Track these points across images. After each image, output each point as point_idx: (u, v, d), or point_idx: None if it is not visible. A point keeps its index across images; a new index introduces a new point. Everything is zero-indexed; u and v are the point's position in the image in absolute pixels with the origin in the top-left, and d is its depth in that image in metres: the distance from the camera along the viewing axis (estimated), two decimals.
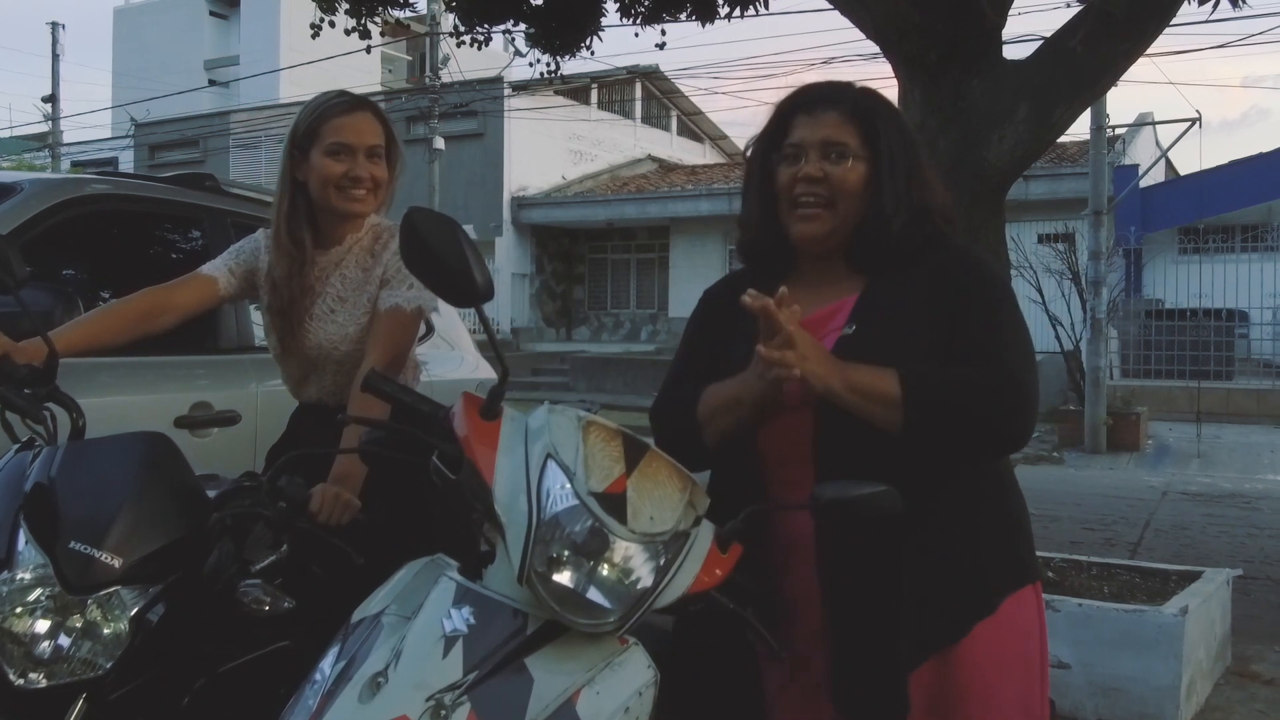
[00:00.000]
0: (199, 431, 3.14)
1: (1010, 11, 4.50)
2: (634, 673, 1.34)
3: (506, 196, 22.49)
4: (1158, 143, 18.67)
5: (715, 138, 28.87)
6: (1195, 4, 4.32)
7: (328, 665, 1.38)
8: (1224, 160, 16.80)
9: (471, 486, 1.37)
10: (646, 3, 6.89)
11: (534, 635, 1.31)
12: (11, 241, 1.87)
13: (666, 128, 27.50)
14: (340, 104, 2.18)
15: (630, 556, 1.32)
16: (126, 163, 25.39)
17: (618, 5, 6.88)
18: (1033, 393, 1.58)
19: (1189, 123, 12.75)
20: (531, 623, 1.32)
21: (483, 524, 1.39)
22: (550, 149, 23.29)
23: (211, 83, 30.13)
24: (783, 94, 1.74)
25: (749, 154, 1.77)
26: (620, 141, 25.62)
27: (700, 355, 1.79)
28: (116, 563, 1.51)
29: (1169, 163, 19.16)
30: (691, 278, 21.92)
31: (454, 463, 1.42)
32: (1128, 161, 16.94)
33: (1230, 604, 4.58)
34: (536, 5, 6.98)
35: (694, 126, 28.22)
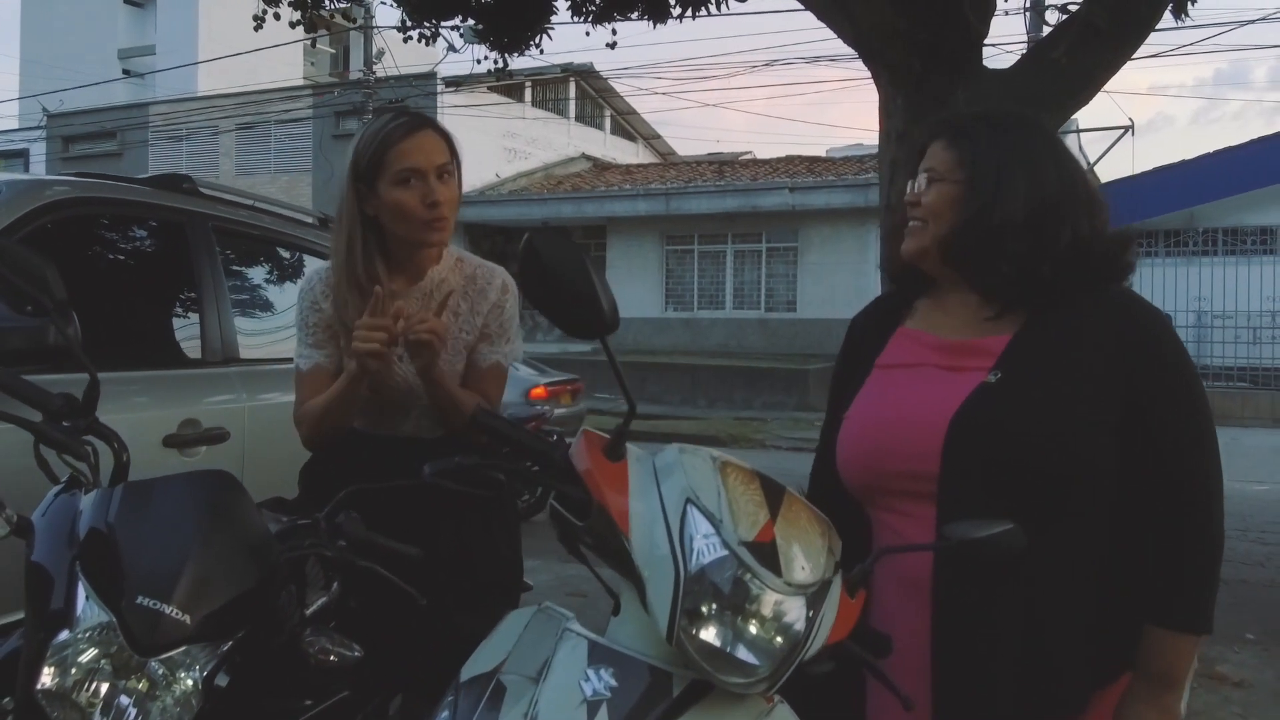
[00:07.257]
0: (187, 450, 2.96)
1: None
2: None
3: None
4: (1080, 149, 19.17)
5: (649, 137, 28.81)
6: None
7: None
8: (1139, 168, 17.29)
9: (603, 534, 1.27)
10: (598, 2, 6.77)
11: (680, 696, 1.21)
12: (47, 261, 1.70)
13: (600, 126, 27.35)
14: (401, 126, 2.03)
15: (781, 609, 1.22)
16: (38, 154, 24.34)
17: (569, 3, 6.75)
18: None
19: (1122, 130, 13.11)
20: (677, 682, 1.22)
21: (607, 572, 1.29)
22: (484, 146, 22.95)
23: (126, 73, 29.07)
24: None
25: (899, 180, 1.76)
26: (554, 140, 25.38)
27: (838, 380, 1.77)
28: (187, 619, 1.35)
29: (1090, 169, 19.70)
30: (629, 278, 21.79)
31: (576, 506, 1.31)
32: None
33: None
34: (486, 2, 6.82)
35: (627, 126, 28.13)
